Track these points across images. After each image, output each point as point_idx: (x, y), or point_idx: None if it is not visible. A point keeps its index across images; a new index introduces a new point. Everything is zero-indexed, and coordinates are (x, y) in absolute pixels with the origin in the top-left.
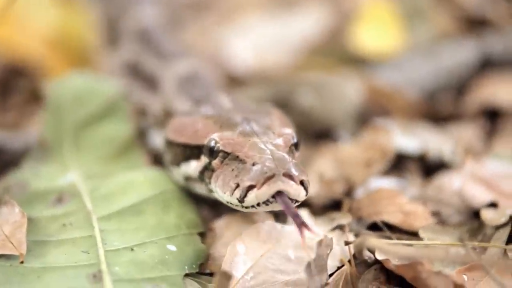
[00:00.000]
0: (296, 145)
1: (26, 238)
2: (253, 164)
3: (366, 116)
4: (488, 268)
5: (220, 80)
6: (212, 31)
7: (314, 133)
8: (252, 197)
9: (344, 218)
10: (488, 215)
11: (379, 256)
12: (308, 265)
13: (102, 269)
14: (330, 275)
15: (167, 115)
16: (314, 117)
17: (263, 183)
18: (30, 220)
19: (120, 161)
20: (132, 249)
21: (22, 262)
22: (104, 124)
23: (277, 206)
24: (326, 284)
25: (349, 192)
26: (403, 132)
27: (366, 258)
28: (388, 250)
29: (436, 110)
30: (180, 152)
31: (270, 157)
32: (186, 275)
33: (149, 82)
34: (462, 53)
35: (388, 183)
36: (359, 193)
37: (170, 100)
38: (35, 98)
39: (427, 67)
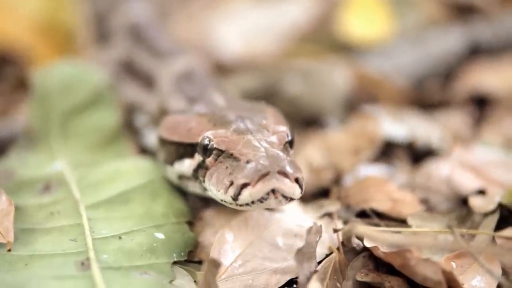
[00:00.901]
0: (290, 143)
1: (13, 226)
2: (247, 162)
3: (354, 103)
4: (476, 255)
5: (213, 76)
6: (199, 18)
7: (302, 121)
8: (246, 195)
9: (332, 206)
10: (476, 202)
11: (367, 244)
12: (298, 252)
13: (90, 256)
14: (319, 262)
15: (163, 113)
16: (302, 105)
17: (258, 181)
18: (17, 208)
19: (107, 149)
20: (120, 237)
21: (9, 250)
22: (91, 113)
23: (271, 204)
24: (315, 271)
25: (337, 180)
26: (391, 119)
27: (355, 245)
28: (377, 238)
29: (424, 97)
30: (173, 150)
31: (265, 154)
32: (175, 263)
33: (144, 80)
34: (450, 40)
35: (376, 170)
36: (348, 180)
37: (165, 99)
38: (22, 86)
39: (415, 55)
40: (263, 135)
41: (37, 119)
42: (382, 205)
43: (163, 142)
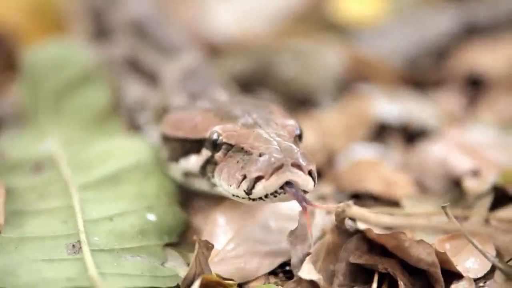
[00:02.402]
0: (300, 136)
1: (3, 208)
2: (260, 155)
3: (348, 83)
4: (470, 237)
5: (215, 71)
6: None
7: (295, 101)
8: (260, 189)
9: (326, 188)
10: (470, 184)
11: (361, 226)
12: (290, 234)
13: (81, 239)
14: (312, 244)
15: (164, 110)
16: (295, 85)
17: (272, 174)
18: (8, 190)
19: (98, 128)
20: (111, 219)
21: None
22: (81, 92)
23: (285, 198)
24: (308, 253)
25: (331, 162)
26: (385, 99)
27: (348, 227)
28: (370, 219)
29: (419, 77)
30: (178, 147)
31: (277, 147)
32: (166, 245)
33: (148, 77)
34: (445, 20)
35: (370, 150)
36: (341, 162)
37: (167, 95)
38: (11, 66)
39: (409, 34)
40: (273, 129)
41: (27, 99)
42: (375, 187)
43: (167, 139)
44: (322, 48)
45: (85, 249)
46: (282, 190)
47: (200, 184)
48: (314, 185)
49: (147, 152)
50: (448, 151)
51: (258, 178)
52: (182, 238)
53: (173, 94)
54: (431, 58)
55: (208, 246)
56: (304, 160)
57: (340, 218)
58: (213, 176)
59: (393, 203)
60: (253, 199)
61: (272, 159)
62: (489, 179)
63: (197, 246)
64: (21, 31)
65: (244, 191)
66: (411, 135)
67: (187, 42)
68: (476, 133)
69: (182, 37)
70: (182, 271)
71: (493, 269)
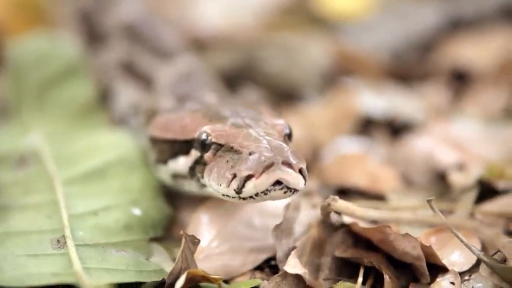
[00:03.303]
0: (289, 135)
1: None
2: (250, 154)
3: (334, 77)
4: (456, 230)
5: (210, 75)
6: None
7: (281, 95)
8: (250, 187)
9: (311, 183)
10: (455, 177)
11: (346, 219)
12: (276, 228)
13: (66, 234)
14: (298, 238)
15: (153, 113)
16: (280, 79)
17: (262, 172)
18: None
19: (83, 122)
20: (96, 214)
21: None
22: (65, 86)
23: (275, 196)
24: (294, 247)
25: (316, 155)
26: (370, 92)
27: (334, 221)
28: (356, 213)
29: (404, 71)
30: (166, 149)
31: (267, 146)
32: (152, 239)
33: (143, 81)
34: (430, 13)
35: (355, 144)
36: (327, 156)
37: (156, 98)
38: None
39: (395, 28)
40: (262, 128)
41: (11, 92)
42: (361, 181)
43: (155, 141)
44: (307, 42)
45: (70, 244)
46: (272, 188)
47: (189, 186)
48: (304, 184)
49: (131, 147)
50: (433, 145)
51: (249, 177)
52: (167, 232)
53: (162, 97)
54: (417, 52)
55: (194, 241)
56: (294, 158)
57: (326, 212)
58: (202, 177)
59: (379, 197)
60: (244, 198)
61: (262, 157)
62: (474, 172)
63: (183, 240)
64: (5, 24)
65: (234, 190)
66: (397, 129)
67: (182, 45)
68: (462, 127)
69: (177, 39)
70: (168, 266)
71: (478, 262)
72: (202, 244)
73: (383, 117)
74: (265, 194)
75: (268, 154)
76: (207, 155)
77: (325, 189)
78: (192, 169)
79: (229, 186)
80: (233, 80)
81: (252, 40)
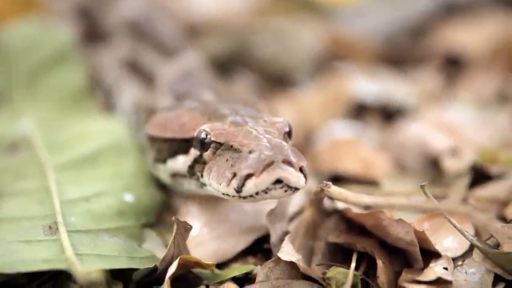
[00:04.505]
0: (289, 133)
1: None
2: (250, 152)
3: (326, 62)
4: (449, 216)
5: (210, 72)
6: None
7: (273, 80)
8: (250, 186)
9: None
10: (449, 163)
11: (339, 205)
12: (270, 213)
13: (58, 220)
14: (291, 222)
15: (151, 111)
16: (272, 65)
17: (262, 171)
18: None
19: (74, 108)
20: (88, 200)
21: None
22: (56, 72)
23: (276, 195)
24: (287, 232)
25: (309, 140)
26: (363, 77)
27: (327, 207)
28: (349, 199)
29: (397, 56)
30: (165, 148)
31: (267, 144)
32: (144, 225)
33: (146, 79)
34: None
35: (348, 129)
36: (320, 142)
37: (154, 96)
38: None
39: (388, 13)
40: (262, 126)
41: (2, 78)
42: (354, 167)
43: (153, 140)
44: (300, 27)
45: (62, 230)
46: (273, 187)
47: (189, 185)
48: (305, 182)
49: (123, 133)
50: (426, 130)
51: (249, 176)
52: (159, 218)
53: (161, 95)
54: (410, 37)
55: (186, 227)
56: (294, 156)
57: (319, 197)
58: (202, 176)
59: (372, 183)
60: (244, 197)
61: (262, 156)
62: (467, 158)
63: (175, 227)
64: None
65: (234, 189)
66: (390, 114)
67: (184, 41)
68: (455, 112)
69: (179, 35)
70: (160, 252)
71: (471, 248)
72: (193, 232)
73: (376, 102)
74: (266, 193)
75: (268, 153)
76: (207, 154)
77: (318, 174)
78: (191, 168)
79: (229, 185)
80: (226, 66)
81: (244, 25)
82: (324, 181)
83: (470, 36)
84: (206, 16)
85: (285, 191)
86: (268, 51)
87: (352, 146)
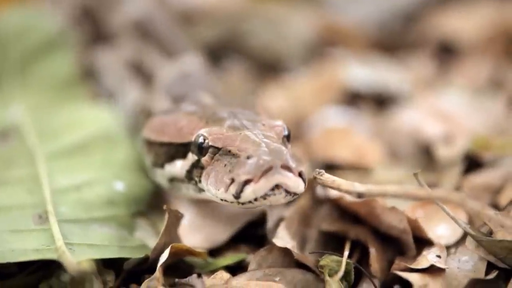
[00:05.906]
0: (288, 137)
1: None
2: (248, 158)
3: (319, 49)
4: (442, 203)
5: (209, 73)
6: None
7: (266, 67)
8: (249, 192)
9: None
10: (442, 150)
11: (332, 193)
12: None
13: (48, 209)
14: (287, 208)
15: (148, 114)
16: (266, 52)
17: (261, 177)
18: None
19: (64, 96)
20: (78, 188)
21: None
22: (47, 60)
23: (275, 201)
24: (282, 218)
25: (302, 128)
26: (356, 63)
27: (320, 195)
28: (342, 187)
29: (391, 43)
30: (163, 152)
31: (266, 149)
32: (135, 214)
33: (148, 80)
34: None
35: (341, 116)
36: (313, 129)
37: (151, 99)
38: None
39: (381, 0)
40: (260, 130)
41: None
42: (347, 155)
43: (150, 144)
44: (292, 14)
45: (52, 219)
46: (272, 193)
47: (187, 190)
48: (304, 187)
49: (114, 121)
50: (419, 117)
51: (247, 182)
52: (151, 207)
53: (158, 97)
54: (403, 23)
55: (178, 216)
56: (293, 161)
57: (313, 185)
58: (200, 181)
59: (365, 171)
60: (242, 203)
61: (261, 161)
62: (461, 145)
63: (166, 215)
64: None
65: (233, 195)
66: (383, 101)
67: (187, 43)
68: (448, 99)
69: (182, 34)
70: (151, 241)
71: (464, 235)
72: (184, 221)
73: (369, 89)
74: (264, 198)
75: (267, 158)
76: (204, 159)
77: (312, 163)
78: (189, 173)
79: (227, 191)
80: (219, 53)
81: (237, 12)
82: (317, 169)
83: (464, 22)
84: (199, 3)
85: (284, 196)
86: (261, 38)
87: (345, 134)
